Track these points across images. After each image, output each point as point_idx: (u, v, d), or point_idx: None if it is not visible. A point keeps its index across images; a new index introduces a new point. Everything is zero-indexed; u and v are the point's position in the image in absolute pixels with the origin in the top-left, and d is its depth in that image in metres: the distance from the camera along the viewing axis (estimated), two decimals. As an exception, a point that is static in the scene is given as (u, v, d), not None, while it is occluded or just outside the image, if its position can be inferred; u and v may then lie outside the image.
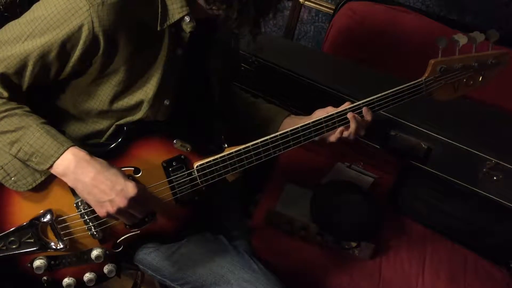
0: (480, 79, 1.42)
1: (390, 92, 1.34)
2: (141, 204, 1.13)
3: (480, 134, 1.85)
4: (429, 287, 1.81)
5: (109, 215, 1.12)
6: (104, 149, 1.19)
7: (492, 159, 1.73)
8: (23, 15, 1.10)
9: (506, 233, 1.91)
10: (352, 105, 1.32)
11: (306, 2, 2.49)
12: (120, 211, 1.11)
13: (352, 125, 1.31)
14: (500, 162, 1.72)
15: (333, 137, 1.34)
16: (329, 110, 1.33)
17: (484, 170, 1.75)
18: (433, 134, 1.80)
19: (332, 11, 2.40)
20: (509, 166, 1.72)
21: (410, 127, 1.83)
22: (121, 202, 1.09)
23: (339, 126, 1.32)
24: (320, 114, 1.34)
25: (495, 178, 1.74)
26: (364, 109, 1.32)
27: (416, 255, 1.91)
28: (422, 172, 1.87)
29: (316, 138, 1.32)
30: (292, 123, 1.37)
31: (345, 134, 1.33)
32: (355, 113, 1.31)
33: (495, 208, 1.80)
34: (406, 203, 2.07)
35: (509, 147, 1.79)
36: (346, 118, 1.31)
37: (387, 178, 2.16)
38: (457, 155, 1.78)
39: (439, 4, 2.29)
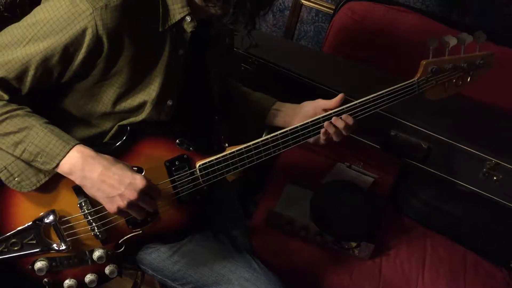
0: (469, 79, 1.43)
1: (384, 92, 1.35)
2: (150, 196, 1.13)
3: (480, 134, 1.85)
4: (429, 287, 1.81)
5: (119, 210, 1.11)
6: (107, 149, 1.18)
7: (492, 159, 1.73)
8: (24, 18, 1.09)
9: (506, 233, 1.91)
10: (348, 104, 1.32)
11: (306, 2, 2.49)
12: (130, 204, 1.10)
13: (331, 130, 1.31)
14: (500, 162, 1.73)
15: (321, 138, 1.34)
16: (320, 102, 1.36)
17: (484, 170, 1.75)
18: (433, 134, 1.80)
19: (332, 11, 2.40)
20: (509, 166, 1.72)
21: (410, 127, 1.83)
22: (131, 195, 1.09)
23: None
24: (309, 106, 1.38)
25: (495, 178, 1.74)
26: (343, 116, 1.31)
27: (416, 255, 1.91)
28: (422, 172, 1.87)
29: (311, 140, 1.34)
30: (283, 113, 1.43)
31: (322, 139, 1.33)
32: (350, 109, 1.32)
33: (495, 208, 1.81)
34: (406, 203, 2.07)
35: (509, 147, 1.80)
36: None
37: (387, 178, 2.16)
38: (457, 155, 1.79)
39: (439, 4, 2.29)
